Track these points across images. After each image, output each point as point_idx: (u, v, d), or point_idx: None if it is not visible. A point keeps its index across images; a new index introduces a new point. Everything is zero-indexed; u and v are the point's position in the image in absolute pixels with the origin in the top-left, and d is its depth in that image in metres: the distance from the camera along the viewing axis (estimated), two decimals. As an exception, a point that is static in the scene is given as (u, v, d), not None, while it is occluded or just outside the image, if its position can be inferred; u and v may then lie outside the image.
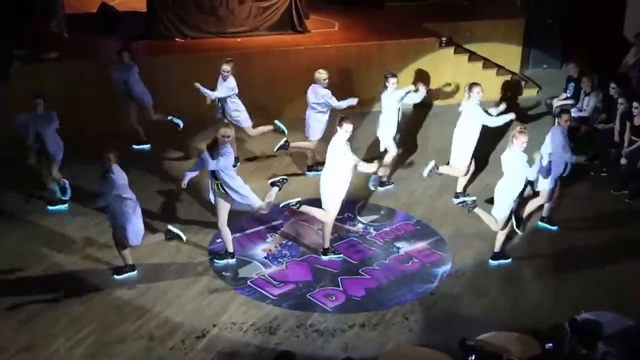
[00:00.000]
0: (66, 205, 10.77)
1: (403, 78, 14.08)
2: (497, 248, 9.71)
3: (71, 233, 10.18)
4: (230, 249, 9.61)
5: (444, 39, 14.86)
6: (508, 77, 15.40)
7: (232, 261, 9.60)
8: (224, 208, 9.31)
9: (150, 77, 12.33)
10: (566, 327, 6.91)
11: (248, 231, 10.26)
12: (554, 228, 10.54)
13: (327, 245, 9.74)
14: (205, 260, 9.68)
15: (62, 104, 12.42)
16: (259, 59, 13.84)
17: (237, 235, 10.08)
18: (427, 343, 8.10)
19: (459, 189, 11.17)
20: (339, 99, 11.32)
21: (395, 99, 11.18)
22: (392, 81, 11.18)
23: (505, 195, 9.34)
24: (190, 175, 9.33)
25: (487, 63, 15.33)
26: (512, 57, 15.87)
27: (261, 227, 10.35)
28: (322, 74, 11.35)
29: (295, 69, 13.64)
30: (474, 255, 9.91)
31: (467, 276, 9.52)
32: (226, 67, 11.40)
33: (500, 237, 9.62)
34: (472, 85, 10.69)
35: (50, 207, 10.76)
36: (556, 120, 10.36)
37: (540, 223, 10.59)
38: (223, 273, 9.42)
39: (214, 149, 8.98)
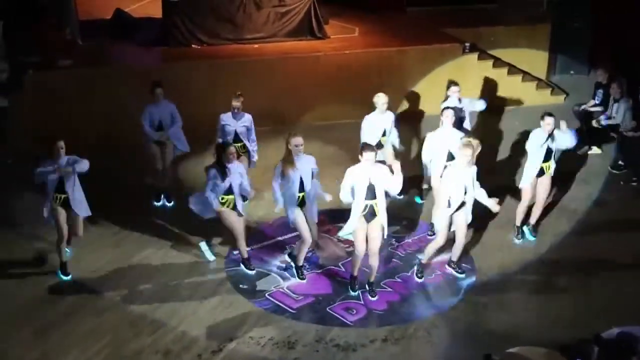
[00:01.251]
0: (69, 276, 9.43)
1: (425, 85, 14.01)
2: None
3: (86, 244, 9.97)
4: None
5: (467, 44, 14.64)
6: (534, 84, 15.17)
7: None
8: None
9: (166, 84, 12.21)
10: (594, 342, 6.77)
11: (266, 243, 10.10)
12: (532, 238, 10.29)
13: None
14: (222, 273, 9.51)
15: (77, 113, 12.45)
16: (277, 65, 13.68)
17: (256, 247, 9.94)
18: (451, 358, 7.97)
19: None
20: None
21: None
22: (454, 89, 10.81)
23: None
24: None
25: (512, 69, 15.09)
26: (538, 63, 15.62)
27: (280, 239, 10.17)
28: (380, 98, 10.61)
29: (314, 75, 13.50)
30: (498, 268, 9.68)
31: (491, 289, 9.29)
32: (236, 104, 10.36)
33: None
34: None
35: (64, 277, 9.35)
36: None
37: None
38: (240, 286, 9.26)
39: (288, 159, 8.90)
